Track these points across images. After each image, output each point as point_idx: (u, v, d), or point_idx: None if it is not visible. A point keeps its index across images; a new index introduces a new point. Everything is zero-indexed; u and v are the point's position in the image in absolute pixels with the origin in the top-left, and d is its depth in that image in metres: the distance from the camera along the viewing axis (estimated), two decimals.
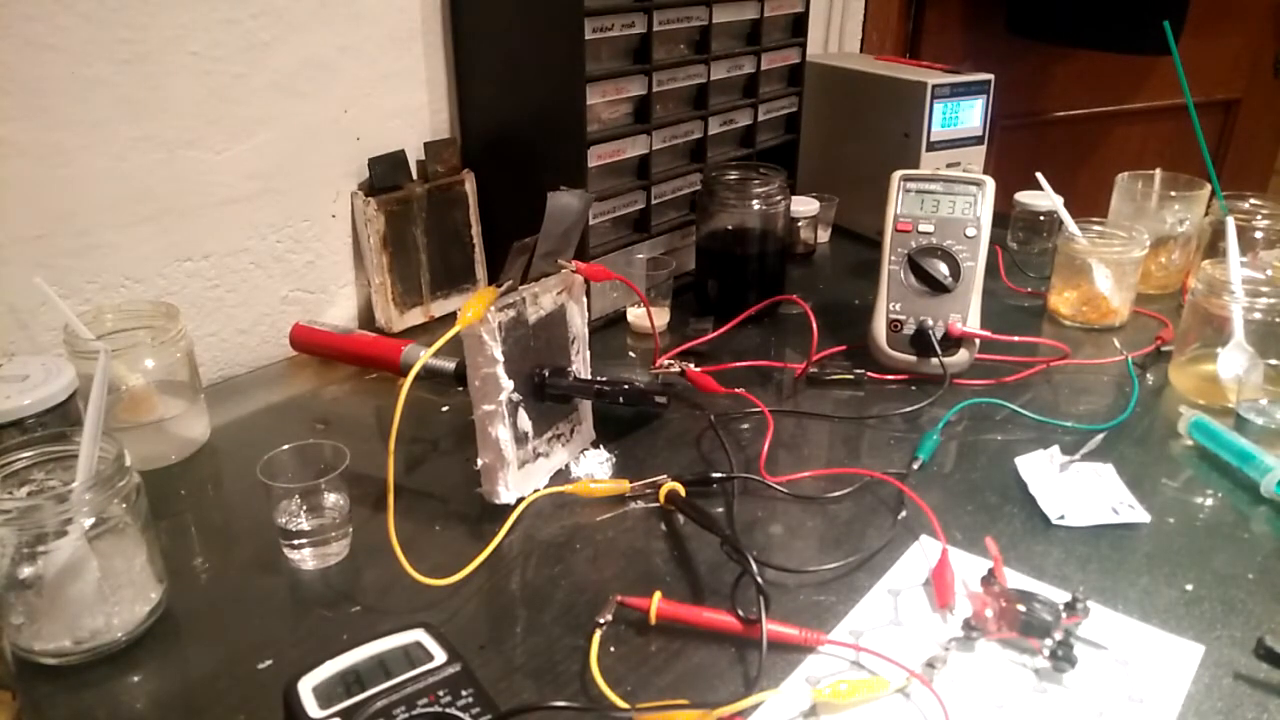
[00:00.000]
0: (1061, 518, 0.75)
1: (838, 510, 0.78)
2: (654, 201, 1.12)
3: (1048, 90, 1.96)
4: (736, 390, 0.94)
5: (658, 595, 0.64)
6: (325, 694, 0.50)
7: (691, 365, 0.94)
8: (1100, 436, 0.87)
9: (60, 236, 0.87)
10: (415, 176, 1.11)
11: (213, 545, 0.74)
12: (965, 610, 0.65)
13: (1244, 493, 0.80)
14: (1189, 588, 0.69)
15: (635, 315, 1.11)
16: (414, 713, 0.49)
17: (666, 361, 0.97)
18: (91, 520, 0.60)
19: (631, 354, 1.06)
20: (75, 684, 0.60)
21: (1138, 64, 1.90)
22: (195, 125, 0.93)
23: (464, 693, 0.50)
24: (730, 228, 1.11)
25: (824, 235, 1.39)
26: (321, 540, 0.71)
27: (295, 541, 0.70)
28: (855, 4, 1.67)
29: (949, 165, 1.26)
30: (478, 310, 0.71)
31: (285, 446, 0.72)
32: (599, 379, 0.83)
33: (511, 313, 0.74)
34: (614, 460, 0.85)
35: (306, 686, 0.51)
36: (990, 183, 0.99)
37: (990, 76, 1.25)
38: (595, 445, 0.87)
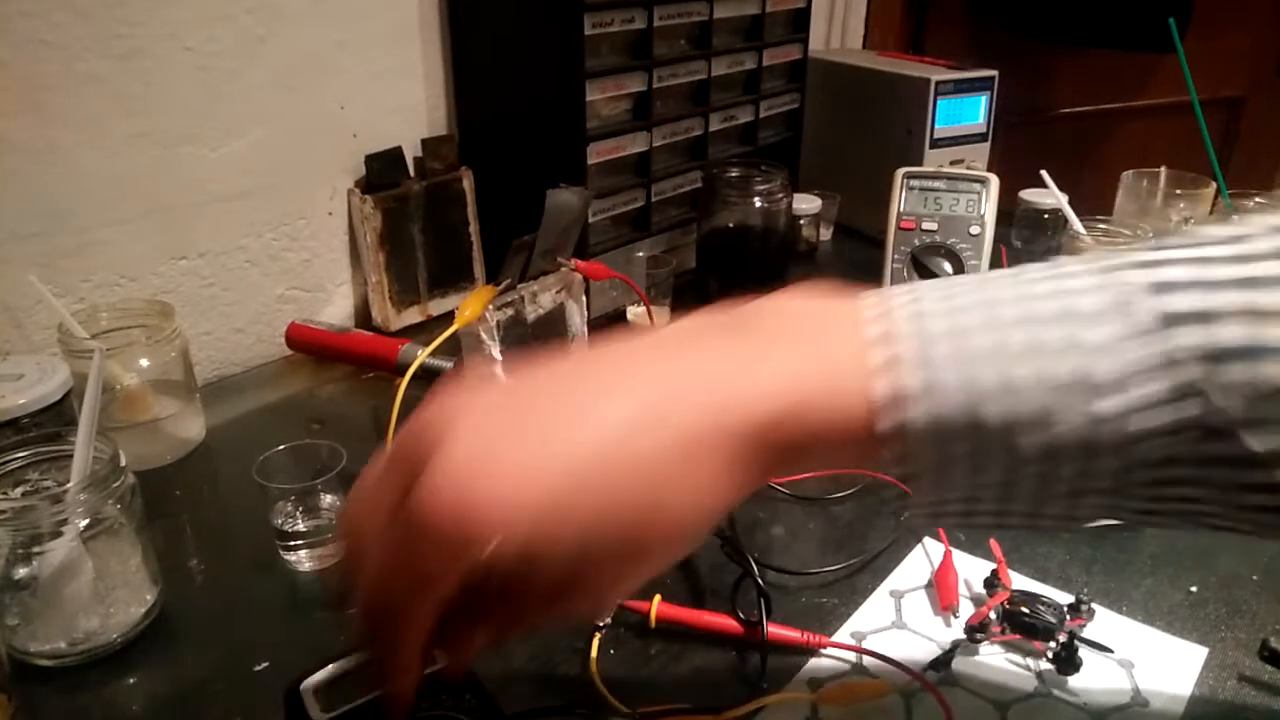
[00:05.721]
0: None
1: (840, 511, 0.77)
2: (654, 199, 1.12)
3: (1052, 87, 1.95)
4: None
5: (658, 598, 0.64)
6: (327, 696, 0.50)
7: None
8: None
9: (55, 234, 0.87)
10: (412, 173, 1.10)
11: (208, 546, 0.74)
12: (968, 612, 0.65)
13: None
14: (1193, 589, 0.68)
15: (635, 314, 1.10)
16: (415, 715, 0.48)
17: None
18: (86, 521, 0.60)
19: None
20: (70, 686, 0.60)
21: (1143, 61, 1.89)
22: (190, 121, 0.93)
23: (465, 696, 0.50)
24: (731, 225, 1.10)
25: (826, 233, 1.38)
26: (318, 541, 0.70)
27: (292, 543, 0.70)
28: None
29: (952, 162, 1.25)
30: (476, 309, 0.70)
31: (281, 447, 0.71)
32: None
33: (510, 311, 0.74)
34: None
35: (309, 689, 0.50)
36: (994, 180, 0.98)
37: (994, 73, 1.24)
38: None
